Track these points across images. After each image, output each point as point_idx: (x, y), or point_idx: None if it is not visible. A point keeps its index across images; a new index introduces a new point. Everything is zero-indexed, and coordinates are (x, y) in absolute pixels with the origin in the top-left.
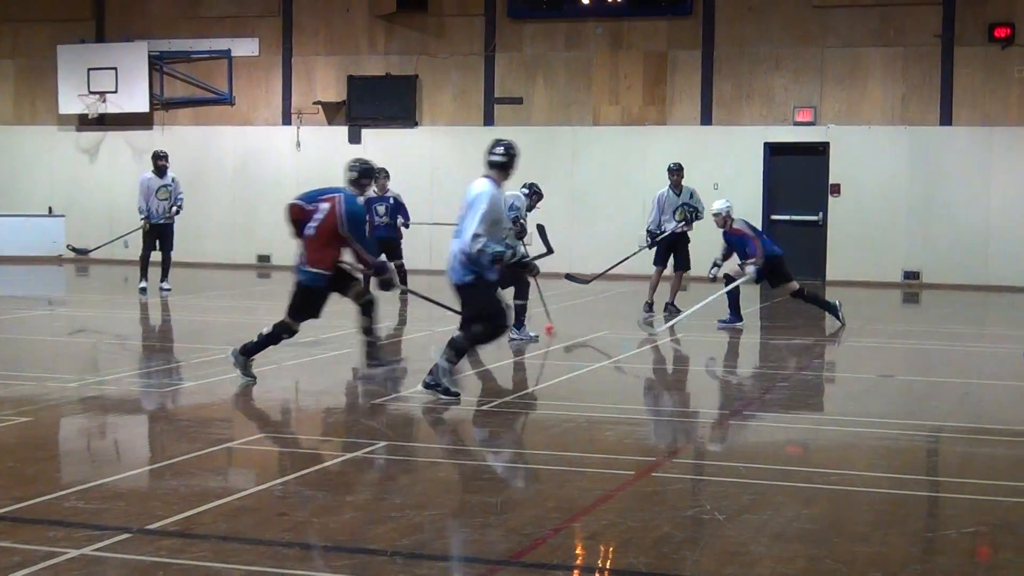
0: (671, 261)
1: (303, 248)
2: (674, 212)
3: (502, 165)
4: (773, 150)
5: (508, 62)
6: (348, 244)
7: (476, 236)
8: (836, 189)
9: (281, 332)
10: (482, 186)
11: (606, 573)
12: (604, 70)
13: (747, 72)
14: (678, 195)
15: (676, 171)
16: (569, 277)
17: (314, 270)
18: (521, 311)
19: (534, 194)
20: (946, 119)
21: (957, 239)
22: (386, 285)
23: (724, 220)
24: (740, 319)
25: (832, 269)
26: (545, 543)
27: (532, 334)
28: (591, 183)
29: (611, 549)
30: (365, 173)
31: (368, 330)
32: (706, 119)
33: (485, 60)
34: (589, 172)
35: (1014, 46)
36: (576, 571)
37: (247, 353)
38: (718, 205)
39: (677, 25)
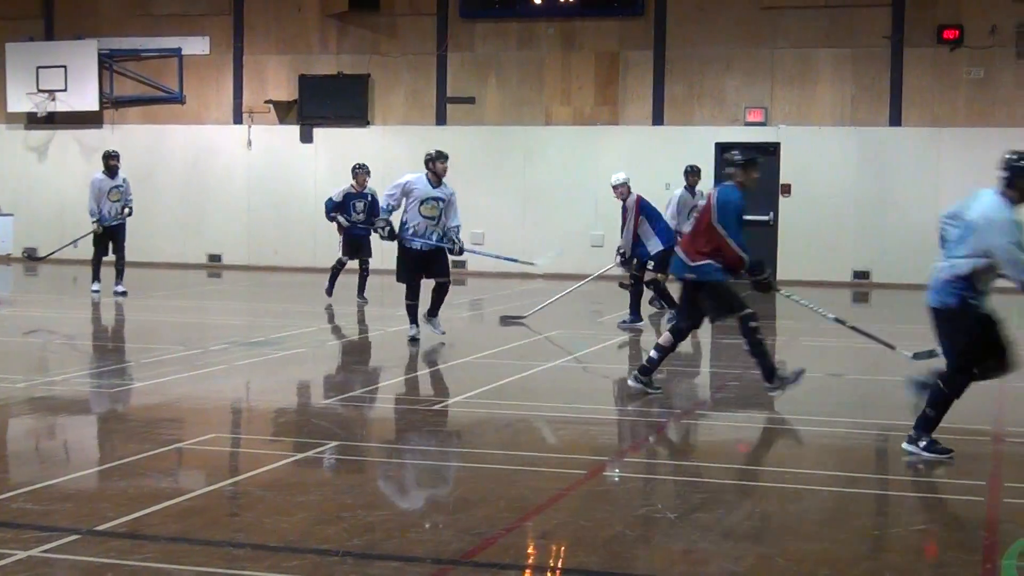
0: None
1: (682, 247)
2: (690, 212)
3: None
4: (724, 150)
5: (460, 62)
6: (718, 235)
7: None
8: (787, 189)
9: (680, 337)
10: (997, 202)
11: (558, 572)
12: (556, 70)
13: (698, 73)
14: (694, 196)
15: (694, 172)
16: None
17: (697, 264)
18: (413, 310)
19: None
20: (895, 120)
21: (906, 239)
22: (763, 287)
23: (625, 192)
24: (640, 319)
25: (782, 269)
26: (497, 543)
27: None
28: (543, 183)
29: (563, 548)
30: (750, 162)
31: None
32: (658, 119)
33: (437, 60)
34: (541, 172)
35: (963, 47)
36: (528, 570)
37: (647, 373)
38: (617, 177)
39: (628, 25)
